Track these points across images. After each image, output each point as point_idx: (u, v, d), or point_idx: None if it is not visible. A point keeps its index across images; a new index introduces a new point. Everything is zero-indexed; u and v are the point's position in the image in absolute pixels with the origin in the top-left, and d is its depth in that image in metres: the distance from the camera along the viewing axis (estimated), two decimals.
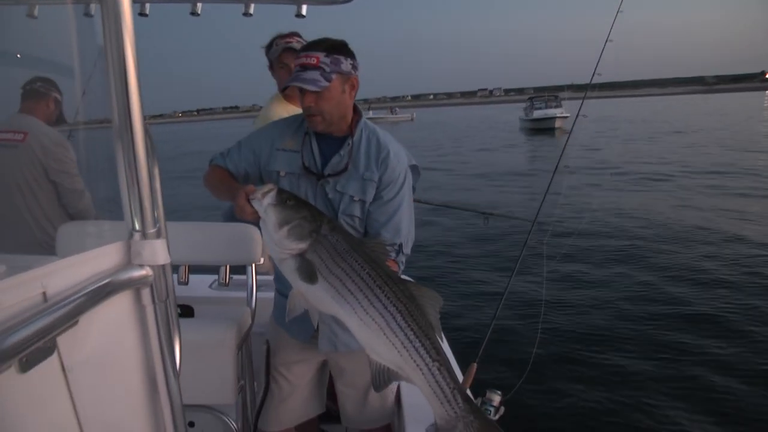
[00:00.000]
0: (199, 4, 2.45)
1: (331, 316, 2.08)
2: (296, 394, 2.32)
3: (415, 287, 1.71)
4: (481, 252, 10.11)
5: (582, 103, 3.75)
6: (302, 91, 1.97)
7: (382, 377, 1.71)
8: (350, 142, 2.06)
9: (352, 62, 2.01)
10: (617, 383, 5.26)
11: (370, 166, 2.05)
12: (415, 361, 1.62)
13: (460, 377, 2.47)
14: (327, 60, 1.95)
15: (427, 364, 1.62)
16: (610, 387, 5.18)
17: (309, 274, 1.66)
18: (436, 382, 1.62)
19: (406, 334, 1.62)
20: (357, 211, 2.05)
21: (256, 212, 1.75)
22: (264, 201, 1.70)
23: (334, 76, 1.95)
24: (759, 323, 6.24)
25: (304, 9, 2.30)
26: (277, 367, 2.31)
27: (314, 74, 1.93)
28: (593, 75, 3.38)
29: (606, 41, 3.44)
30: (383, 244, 1.85)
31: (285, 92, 3.25)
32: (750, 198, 13.59)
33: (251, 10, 2.39)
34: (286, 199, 1.72)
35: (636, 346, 6.01)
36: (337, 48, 1.99)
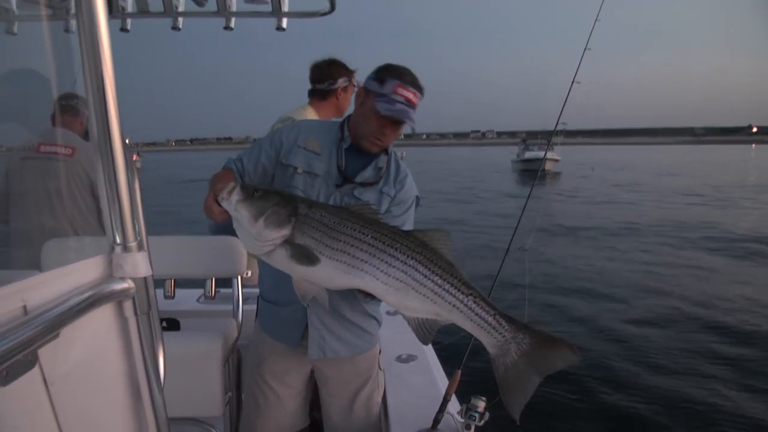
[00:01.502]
0: (180, 19, 2.47)
1: (321, 321, 2.09)
2: (283, 404, 2.28)
3: (420, 233, 1.72)
4: (465, 256, 10.18)
5: (547, 148, 3.71)
6: (392, 121, 2.00)
7: (423, 329, 1.72)
8: (386, 160, 2.15)
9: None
10: (601, 388, 5.32)
11: (388, 182, 2.13)
12: (450, 303, 1.64)
13: (445, 382, 2.49)
14: (418, 102, 2.02)
15: (462, 301, 1.64)
16: (593, 391, 5.24)
17: (306, 257, 1.65)
18: (477, 314, 1.64)
19: (433, 281, 1.64)
20: None
21: (223, 212, 1.73)
22: (232, 198, 1.68)
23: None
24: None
25: (284, 22, 2.33)
26: (264, 376, 2.26)
27: (414, 113, 1.99)
28: (558, 120, 3.29)
29: (572, 82, 3.34)
30: (367, 204, 1.86)
31: (313, 101, 3.33)
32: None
33: (232, 24, 2.42)
34: (252, 192, 1.69)
35: (618, 353, 6.11)
36: (422, 91, 2.06)
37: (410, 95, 1.99)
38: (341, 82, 3.27)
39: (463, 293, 1.65)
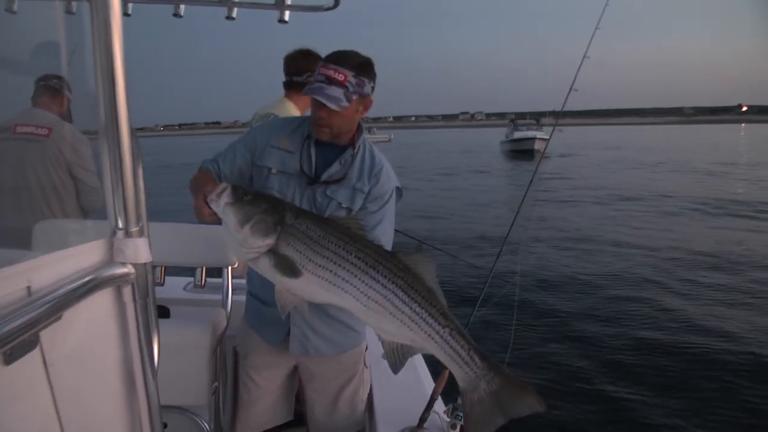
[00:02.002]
0: (182, 6, 2.46)
1: (303, 319, 2.09)
2: (265, 398, 2.31)
3: (404, 255, 1.70)
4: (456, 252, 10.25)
5: (555, 125, 3.79)
6: (319, 103, 1.94)
7: (396, 355, 1.71)
8: (351, 153, 2.09)
9: (372, 85, 2.02)
10: (590, 386, 5.37)
11: (362, 177, 2.08)
12: (425, 332, 1.63)
13: (430, 381, 2.51)
14: (354, 80, 1.94)
15: (437, 332, 1.63)
16: (581, 390, 5.29)
17: (290, 268, 1.64)
18: (451, 347, 1.64)
19: (411, 308, 1.63)
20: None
21: (213, 213, 1.71)
22: (221, 201, 1.65)
23: (354, 97, 1.95)
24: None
25: (287, 15, 2.33)
26: (247, 370, 2.29)
27: (338, 92, 1.91)
28: (570, 90, 3.37)
29: (583, 57, 3.45)
30: (354, 218, 1.83)
31: (291, 94, 3.30)
32: None
33: (234, 14, 2.41)
34: (242, 195, 1.66)
35: (609, 353, 6.15)
36: (365, 68, 1.98)
37: (330, 72, 1.92)
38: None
39: (440, 324, 1.64)
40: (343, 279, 1.64)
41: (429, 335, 1.64)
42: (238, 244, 1.66)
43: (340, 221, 1.77)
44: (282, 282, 1.69)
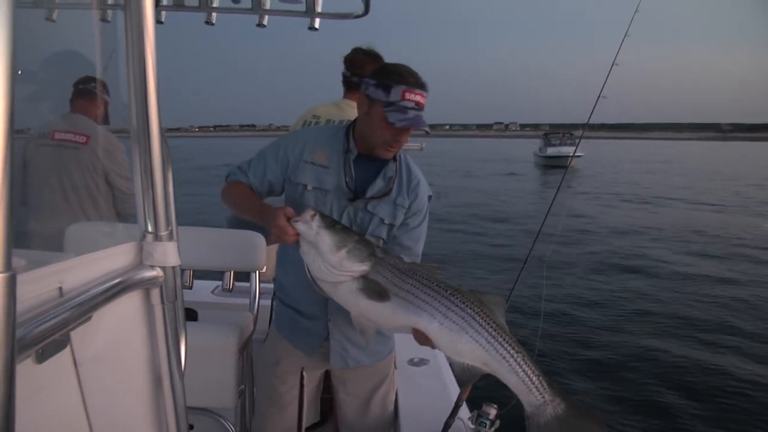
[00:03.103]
0: (214, 14, 2.50)
1: (342, 333, 2.11)
2: (296, 402, 2.30)
3: (479, 294, 1.78)
4: (480, 264, 10.17)
5: (581, 137, 3.75)
6: (399, 129, 1.94)
7: (466, 374, 1.77)
8: (394, 169, 2.10)
9: None
10: (614, 396, 5.28)
11: (402, 192, 2.09)
12: (501, 354, 1.70)
13: (455, 387, 2.50)
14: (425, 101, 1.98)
15: (512, 356, 1.69)
16: (607, 400, 5.20)
17: (379, 293, 1.71)
18: (523, 371, 1.69)
19: (488, 331, 1.70)
20: (384, 233, 2.08)
21: (298, 234, 1.75)
22: (313, 224, 1.71)
23: None
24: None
25: (317, 22, 2.35)
26: (280, 376, 2.29)
27: (423, 116, 1.95)
28: (598, 97, 3.34)
29: (612, 64, 3.42)
30: (434, 265, 1.87)
31: (352, 95, 3.09)
32: None
33: (265, 21, 2.44)
34: (334, 223, 1.75)
35: (635, 361, 6.04)
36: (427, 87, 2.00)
37: (419, 98, 1.92)
38: None
39: (514, 349, 1.70)
40: (424, 301, 1.72)
41: (504, 358, 1.70)
42: (330, 265, 1.72)
43: (421, 264, 1.89)
44: (363, 306, 1.76)
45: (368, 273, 1.72)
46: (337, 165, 2.05)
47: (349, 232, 1.78)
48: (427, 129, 1.97)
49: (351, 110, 3.03)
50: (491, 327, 1.71)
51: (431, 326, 1.73)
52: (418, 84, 1.93)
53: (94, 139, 3.21)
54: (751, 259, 11.87)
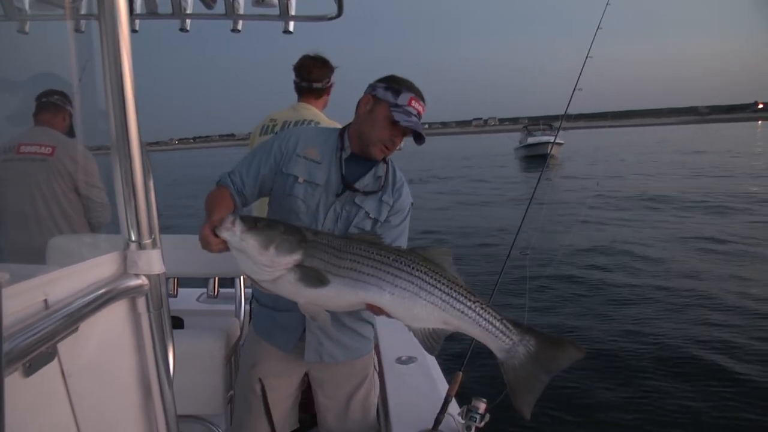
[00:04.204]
0: (188, 21, 2.49)
1: (318, 328, 2.11)
2: (276, 407, 2.27)
3: (422, 250, 1.78)
4: (467, 252, 10.30)
5: (559, 128, 3.79)
6: (402, 130, 2.07)
7: (430, 340, 1.76)
8: (384, 170, 2.17)
9: None
10: (602, 389, 5.33)
11: (387, 191, 2.15)
12: (459, 309, 1.70)
13: (444, 384, 2.51)
14: None
15: (471, 308, 1.70)
16: (594, 393, 5.25)
17: (318, 279, 1.69)
18: (485, 320, 1.70)
19: (440, 289, 1.69)
20: (368, 226, 2.10)
21: (221, 242, 1.73)
22: (235, 230, 1.67)
23: None
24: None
25: (291, 25, 2.35)
26: (257, 378, 2.25)
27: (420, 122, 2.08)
28: (574, 90, 3.37)
29: (586, 57, 3.45)
30: (372, 233, 1.89)
31: (309, 99, 3.23)
32: None
33: (239, 27, 2.44)
34: (256, 222, 1.70)
35: (623, 355, 6.11)
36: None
37: (421, 108, 2.07)
38: (332, 80, 3.27)
39: (470, 300, 1.70)
40: (368, 275, 1.70)
41: (462, 312, 1.70)
42: (262, 266, 1.69)
43: (356, 235, 1.84)
44: (306, 295, 1.73)
45: (302, 261, 1.69)
46: (328, 161, 2.12)
47: (273, 225, 1.72)
48: (424, 135, 2.06)
49: (307, 112, 3.17)
50: (443, 284, 1.69)
51: (382, 299, 1.72)
52: (422, 97, 2.10)
53: (60, 149, 3.16)
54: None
